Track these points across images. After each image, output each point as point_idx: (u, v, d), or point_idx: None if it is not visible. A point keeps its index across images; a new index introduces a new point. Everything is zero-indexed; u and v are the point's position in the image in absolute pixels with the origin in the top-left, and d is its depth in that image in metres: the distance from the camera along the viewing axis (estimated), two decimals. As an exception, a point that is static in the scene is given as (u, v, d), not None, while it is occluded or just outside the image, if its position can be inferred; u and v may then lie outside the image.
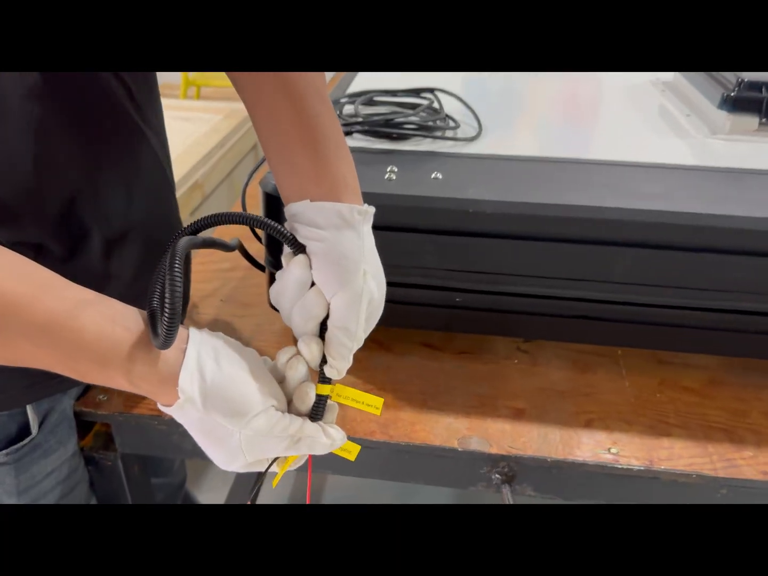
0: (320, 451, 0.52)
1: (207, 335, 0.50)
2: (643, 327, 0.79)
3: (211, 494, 1.49)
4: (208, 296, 0.95)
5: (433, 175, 0.76)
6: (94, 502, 0.84)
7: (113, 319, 0.46)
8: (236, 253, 0.71)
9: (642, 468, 0.70)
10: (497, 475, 0.73)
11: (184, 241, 0.47)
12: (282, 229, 0.50)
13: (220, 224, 0.50)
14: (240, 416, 0.47)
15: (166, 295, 0.45)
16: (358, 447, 0.53)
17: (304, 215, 0.50)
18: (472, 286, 0.76)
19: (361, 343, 0.51)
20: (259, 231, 0.79)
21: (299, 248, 0.51)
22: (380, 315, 0.53)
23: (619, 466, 0.70)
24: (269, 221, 0.51)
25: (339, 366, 0.51)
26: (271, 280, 0.78)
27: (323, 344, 0.51)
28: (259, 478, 0.54)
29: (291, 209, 0.52)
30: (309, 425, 0.51)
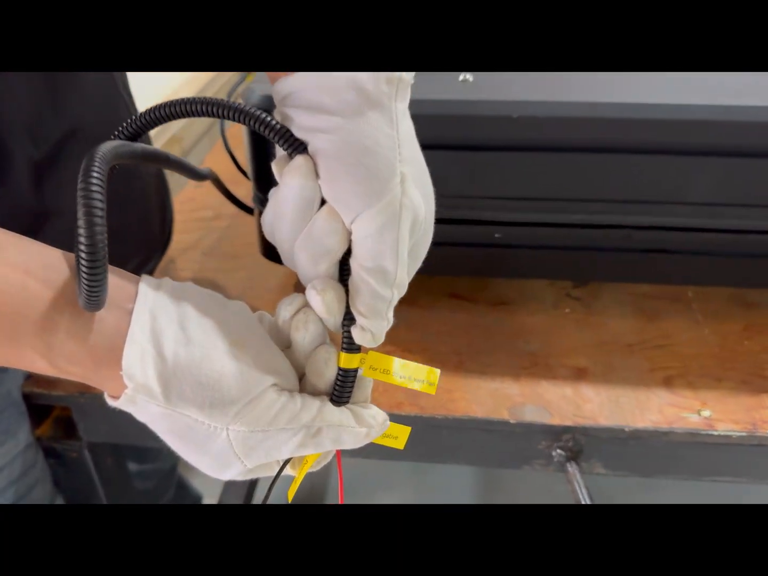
0: (351, 444, 0.36)
1: (167, 288, 0.35)
2: (725, 260, 0.64)
3: (207, 478, 1.35)
4: (188, 249, 0.79)
5: (461, 78, 0.59)
6: (60, 503, 0.69)
7: (26, 269, 0.31)
8: (220, 199, 0.58)
9: (744, 434, 0.55)
10: (559, 451, 0.59)
11: (108, 145, 0.31)
12: (266, 118, 0.33)
13: (172, 118, 0.33)
14: (224, 406, 0.33)
15: (80, 224, 0.29)
16: (408, 429, 0.38)
17: (303, 95, 0.33)
18: (515, 217, 0.61)
19: (404, 290, 0.35)
20: (246, 167, 0.63)
21: (297, 147, 0.34)
22: (429, 244, 0.37)
23: (716, 433, 0.55)
24: (244, 106, 0.33)
25: (373, 326, 0.34)
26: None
27: (345, 293, 0.35)
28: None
29: (282, 87, 0.34)
30: (331, 410, 0.35)
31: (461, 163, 0.59)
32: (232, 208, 0.59)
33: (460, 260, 0.65)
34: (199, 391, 0.32)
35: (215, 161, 0.82)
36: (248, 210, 0.64)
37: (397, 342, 0.63)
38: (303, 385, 0.37)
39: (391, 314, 0.35)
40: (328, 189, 0.33)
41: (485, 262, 0.65)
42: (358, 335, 0.35)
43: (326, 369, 0.36)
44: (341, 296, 0.34)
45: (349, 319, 0.35)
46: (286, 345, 0.37)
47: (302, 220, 0.34)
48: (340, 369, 0.36)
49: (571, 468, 0.57)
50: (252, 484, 1.05)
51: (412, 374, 0.36)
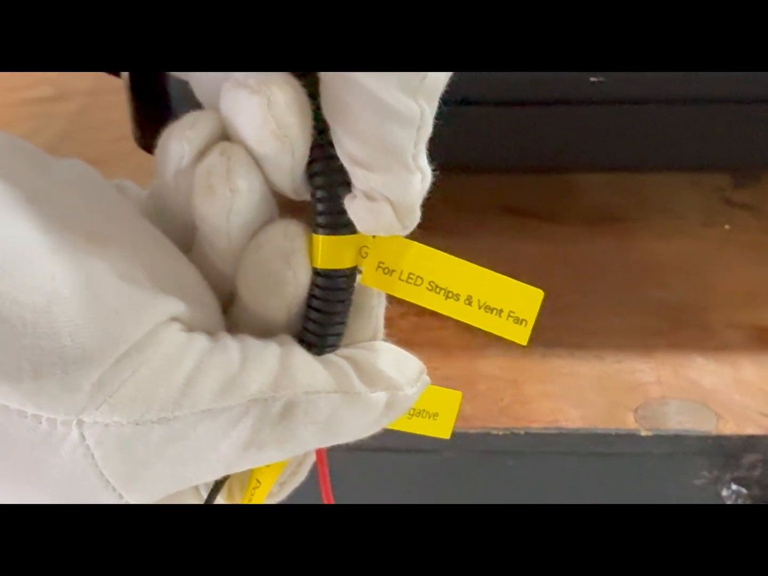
0: (356, 431, 0.21)
1: None
2: None
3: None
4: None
5: None
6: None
7: None
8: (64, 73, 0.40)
9: None
10: (736, 487, 0.37)
11: None
12: None
13: None
14: (66, 372, 0.18)
15: None
16: (458, 396, 0.24)
17: None
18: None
19: (434, 105, 0.19)
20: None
21: None
22: None
23: None
24: None
25: (391, 184, 0.19)
26: (138, 99, 0.43)
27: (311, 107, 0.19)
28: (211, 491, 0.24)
29: None
30: (307, 363, 0.21)
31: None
32: (85, 81, 0.45)
33: (529, 138, 0.42)
34: (6, 341, 0.18)
35: None
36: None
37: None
38: (235, 318, 0.22)
39: (423, 159, 0.20)
40: None
41: (572, 140, 0.41)
42: (360, 208, 0.20)
43: (286, 273, 0.21)
44: (303, 104, 0.19)
45: (324, 161, 0.19)
46: (184, 235, 0.22)
47: None
48: (317, 272, 0.21)
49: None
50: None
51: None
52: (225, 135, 0.20)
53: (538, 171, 0.47)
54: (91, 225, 0.20)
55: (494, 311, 0.21)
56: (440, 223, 0.45)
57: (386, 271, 0.21)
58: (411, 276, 0.21)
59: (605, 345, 0.38)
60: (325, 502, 0.25)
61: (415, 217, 0.20)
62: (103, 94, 0.53)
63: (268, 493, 0.23)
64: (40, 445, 0.18)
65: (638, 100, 0.39)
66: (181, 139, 0.20)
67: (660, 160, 0.44)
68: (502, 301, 0.21)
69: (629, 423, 0.35)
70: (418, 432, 0.24)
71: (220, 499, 0.23)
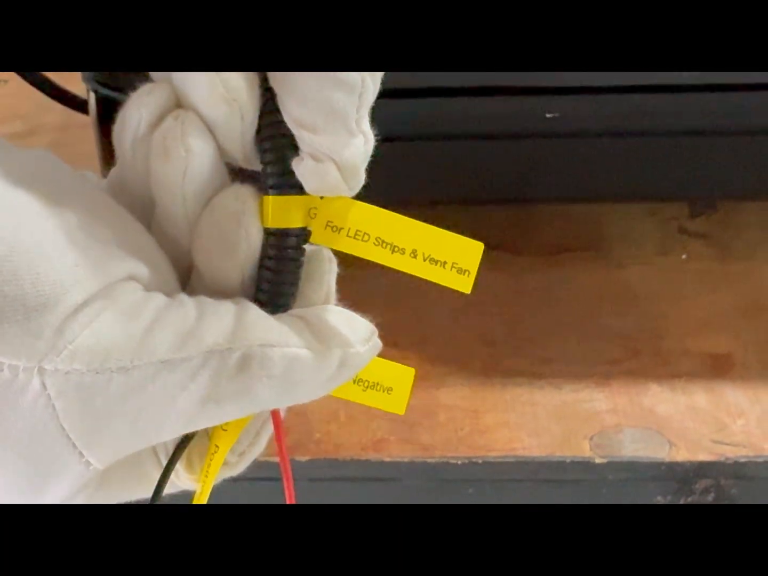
0: (311, 389, 0.21)
1: None
2: None
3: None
4: None
5: None
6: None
7: None
8: (37, 100, 0.45)
9: None
10: None
11: None
12: None
13: None
14: (28, 318, 0.18)
15: None
16: (411, 372, 0.25)
17: None
18: (579, 78, 0.38)
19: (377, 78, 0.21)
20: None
21: None
22: None
23: None
24: None
25: (335, 145, 0.21)
26: (105, 136, 0.45)
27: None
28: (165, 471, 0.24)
29: None
30: (261, 318, 0.21)
31: None
32: (55, 116, 0.45)
33: (487, 171, 0.42)
34: None
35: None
36: (81, 107, 0.45)
37: (382, 328, 0.39)
38: (192, 290, 0.23)
39: (365, 124, 0.21)
40: None
41: (528, 173, 0.42)
42: (307, 169, 0.21)
43: (239, 233, 0.21)
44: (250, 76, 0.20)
45: (272, 126, 0.21)
46: (142, 216, 0.22)
47: None
48: (269, 232, 0.22)
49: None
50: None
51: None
52: (179, 105, 0.21)
53: (498, 203, 0.47)
54: (55, 189, 0.20)
55: (438, 263, 0.21)
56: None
57: (334, 229, 0.21)
58: (358, 233, 0.21)
59: (563, 373, 0.39)
60: (286, 484, 0.25)
61: (360, 178, 0.21)
62: (73, 129, 0.53)
63: (228, 464, 0.23)
64: (2, 396, 0.18)
65: (593, 134, 0.40)
66: (138, 106, 0.21)
67: (616, 191, 0.45)
68: (445, 253, 0.21)
69: (585, 451, 0.36)
70: (372, 405, 0.24)
71: (179, 469, 0.23)
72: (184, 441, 0.22)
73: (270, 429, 0.23)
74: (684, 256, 0.47)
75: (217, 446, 0.23)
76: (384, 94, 0.22)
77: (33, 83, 0.39)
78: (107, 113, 0.42)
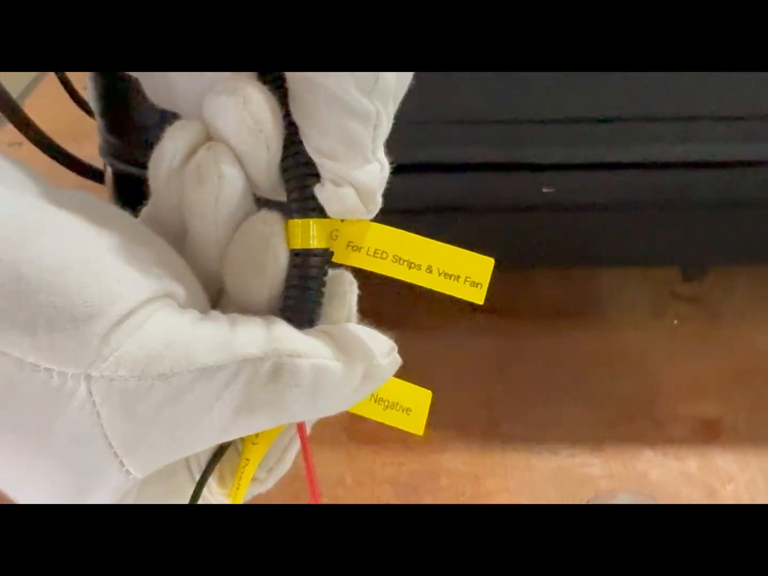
0: (338, 400, 0.22)
1: None
2: None
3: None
4: None
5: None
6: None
7: None
8: (49, 165, 0.42)
9: None
10: None
11: None
12: None
13: None
14: (77, 327, 0.19)
15: None
16: (428, 395, 0.25)
17: None
18: (574, 154, 0.39)
19: (390, 103, 0.23)
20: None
21: None
22: None
23: None
24: None
25: (354, 172, 0.22)
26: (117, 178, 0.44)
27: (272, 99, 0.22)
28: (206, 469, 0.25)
29: None
30: (290, 331, 0.22)
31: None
32: (69, 182, 0.42)
33: (486, 242, 0.42)
34: (20, 298, 0.20)
35: (39, 105, 0.57)
36: (96, 176, 0.44)
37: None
38: (222, 304, 0.24)
39: (381, 153, 0.23)
40: None
41: (527, 242, 0.43)
42: (328, 193, 0.22)
43: (267, 254, 0.23)
44: (273, 104, 0.22)
45: (295, 155, 0.22)
46: (174, 231, 0.24)
47: None
48: (294, 253, 0.23)
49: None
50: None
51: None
52: (210, 137, 0.22)
53: (498, 270, 0.47)
54: (99, 216, 0.22)
55: (452, 277, 0.22)
56: (412, 319, 0.47)
57: (355, 248, 0.23)
58: (377, 251, 0.23)
59: (559, 438, 0.39)
60: (310, 484, 0.26)
61: (377, 202, 0.22)
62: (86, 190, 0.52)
63: (257, 480, 0.24)
64: (50, 400, 0.19)
65: (588, 207, 0.42)
66: (173, 139, 0.22)
67: (610, 258, 0.46)
68: (458, 268, 0.22)
69: (581, 516, 0.36)
70: (392, 424, 0.25)
71: (212, 483, 0.24)
72: (218, 454, 0.23)
73: (297, 446, 0.24)
74: (675, 322, 0.47)
75: (247, 459, 0.24)
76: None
77: (41, 147, 0.39)
78: (123, 187, 0.43)
